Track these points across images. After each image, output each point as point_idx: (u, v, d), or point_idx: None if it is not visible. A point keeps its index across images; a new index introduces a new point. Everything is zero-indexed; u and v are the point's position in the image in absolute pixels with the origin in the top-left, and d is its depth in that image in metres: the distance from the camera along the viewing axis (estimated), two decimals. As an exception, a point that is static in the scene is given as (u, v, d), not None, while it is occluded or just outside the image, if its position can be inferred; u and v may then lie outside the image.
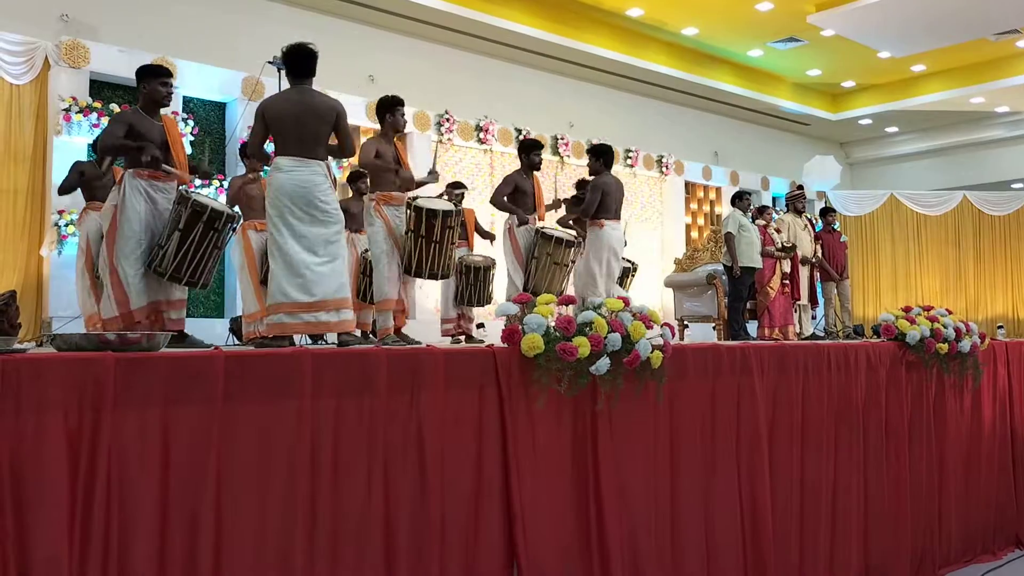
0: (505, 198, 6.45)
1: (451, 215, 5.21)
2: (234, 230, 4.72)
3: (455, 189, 7.78)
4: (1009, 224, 15.92)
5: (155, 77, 4.64)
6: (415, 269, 5.21)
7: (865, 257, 16.02)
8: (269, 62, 8.60)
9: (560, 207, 7.14)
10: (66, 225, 7.89)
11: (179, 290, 4.66)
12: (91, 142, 6.68)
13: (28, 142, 8.16)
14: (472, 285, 7.08)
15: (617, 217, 6.65)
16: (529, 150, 6.59)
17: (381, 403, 3.12)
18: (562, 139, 12.45)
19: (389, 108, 5.42)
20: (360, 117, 10.50)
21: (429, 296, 9.67)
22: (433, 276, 5.28)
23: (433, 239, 5.18)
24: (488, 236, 8.12)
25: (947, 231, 15.96)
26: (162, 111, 4.78)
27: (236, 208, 5.80)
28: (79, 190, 6.33)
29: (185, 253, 4.44)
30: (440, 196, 7.07)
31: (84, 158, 8.20)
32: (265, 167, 6.42)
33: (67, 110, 8.07)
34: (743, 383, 4.57)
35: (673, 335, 4.13)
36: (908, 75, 15.10)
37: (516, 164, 6.91)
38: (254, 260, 5.97)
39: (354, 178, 7.44)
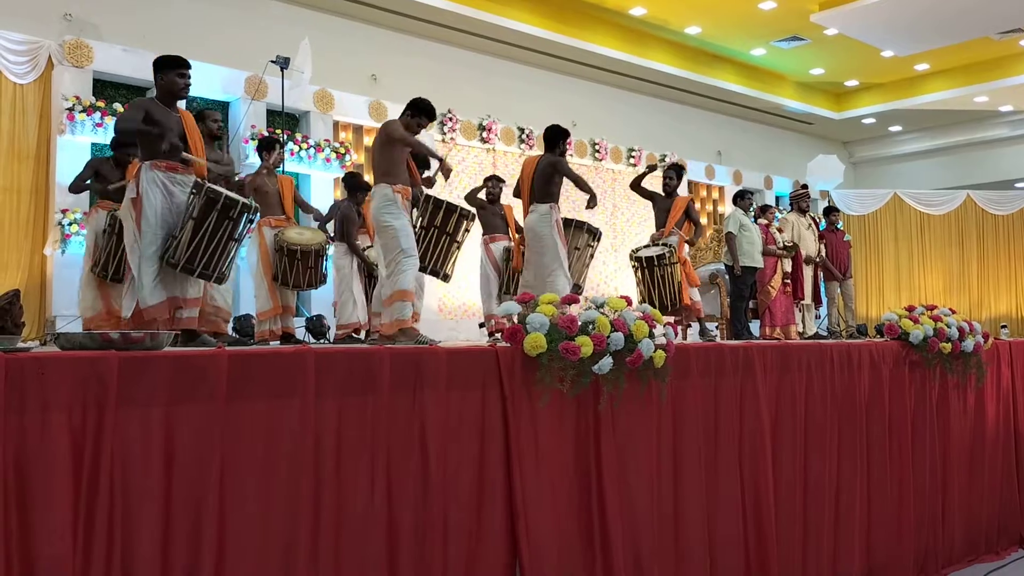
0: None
1: (468, 217, 5.26)
2: (251, 221, 4.59)
3: (495, 182, 7.76)
4: (1013, 223, 15.91)
5: (172, 68, 4.50)
6: (430, 267, 5.18)
7: (868, 256, 16.02)
8: (272, 61, 8.65)
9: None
10: (69, 224, 7.90)
11: (194, 288, 4.52)
12: (108, 143, 6.70)
13: (32, 141, 8.17)
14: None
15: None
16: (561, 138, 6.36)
17: (384, 402, 3.13)
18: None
19: (427, 114, 5.18)
20: (363, 116, 10.52)
21: (431, 294, 9.67)
22: (435, 273, 5.23)
23: (455, 238, 5.20)
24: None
25: (950, 230, 15.96)
26: (181, 104, 4.68)
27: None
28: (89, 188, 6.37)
29: (199, 243, 4.30)
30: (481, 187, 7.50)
31: (89, 156, 8.24)
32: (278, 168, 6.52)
33: (71, 109, 8.08)
34: (746, 382, 4.57)
35: (676, 334, 4.13)
36: (911, 74, 15.08)
37: (517, 164, 6.93)
38: (268, 257, 5.97)
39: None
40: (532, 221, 6.04)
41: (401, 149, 5.09)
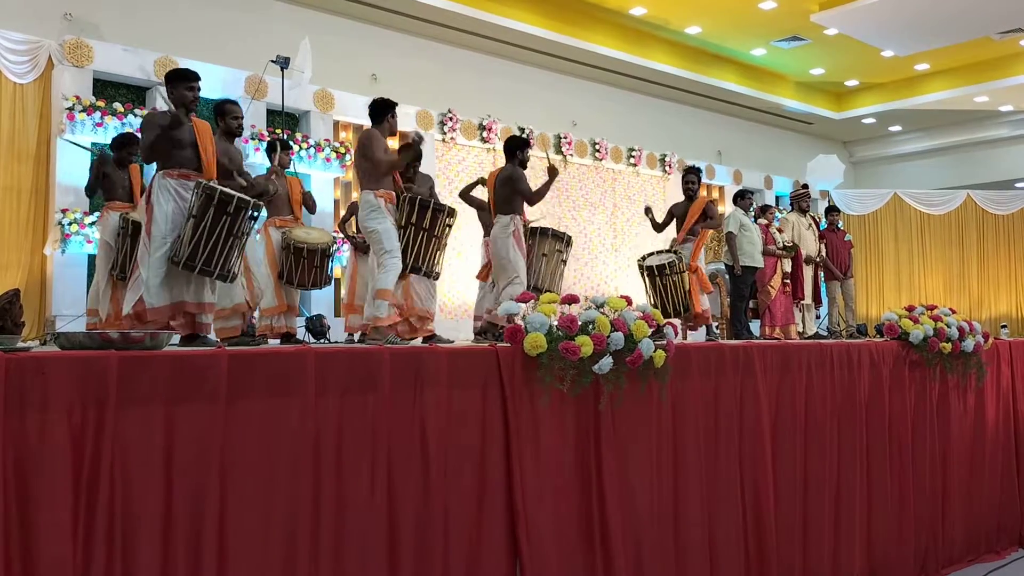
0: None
1: (446, 211, 5.31)
2: (253, 218, 4.62)
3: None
4: (1013, 223, 15.90)
5: (181, 82, 4.65)
6: (412, 264, 5.24)
7: (868, 256, 16.01)
8: (272, 61, 8.64)
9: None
10: (69, 224, 7.90)
11: (209, 293, 4.56)
12: (107, 145, 6.76)
13: (32, 141, 8.16)
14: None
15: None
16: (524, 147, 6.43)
17: (385, 401, 3.13)
18: (565, 138, 12.45)
19: (391, 109, 5.30)
20: (363, 116, 10.50)
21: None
22: (416, 270, 5.29)
23: (434, 233, 5.25)
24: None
25: (950, 230, 15.94)
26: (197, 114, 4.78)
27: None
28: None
29: (199, 239, 4.34)
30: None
31: (94, 157, 8.25)
32: (288, 169, 6.52)
33: (71, 109, 8.07)
34: (746, 382, 4.57)
35: (676, 334, 4.13)
36: (912, 74, 15.08)
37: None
38: (274, 256, 6.01)
39: None
40: (494, 233, 6.08)
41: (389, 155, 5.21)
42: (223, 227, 4.39)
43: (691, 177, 7.48)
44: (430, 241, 5.34)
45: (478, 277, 6.99)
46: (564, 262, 6.73)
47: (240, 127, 5.42)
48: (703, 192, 14.88)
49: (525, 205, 6.16)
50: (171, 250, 4.41)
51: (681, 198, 7.70)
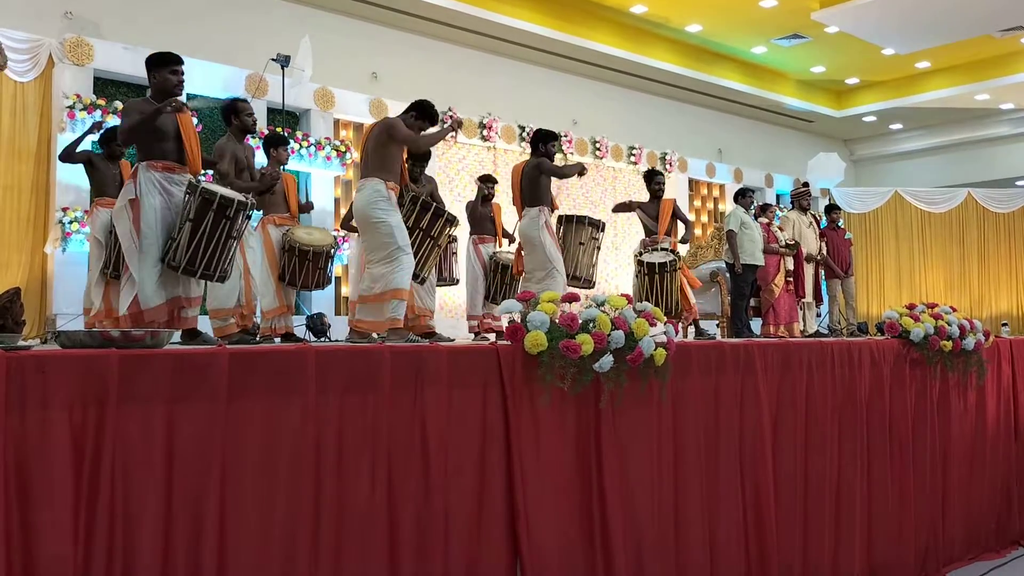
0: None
1: (453, 221, 5.30)
2: (248, 218, 4.58)
3: (486, 183, 7.79)
4: (1013, 221, 15.89)
5: (165, 66, 4.44)
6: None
7: (869, 254, 16.01)
8: (273, 59, 8.65)
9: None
10: (70, 222, 7.90)
11: (196, 287, 4.52)
12: (95, 140, 6.66)
13: (32, 139, 8.17)
14: (507, 284, 7.19)
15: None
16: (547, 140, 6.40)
17: (385, 400, 3.12)
18: (565, 136, 12.45)
19: (431, 118, 5.21)
20: (364, 114, 10.52)
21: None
22: (415, 276, 5.23)
23: (438, 242, 5.23)
24: (509, 236, 7.70)
25: (951, 228, 15.94)
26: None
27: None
28: (87, 185, 6.37)
29: (198, 244, 4.28)
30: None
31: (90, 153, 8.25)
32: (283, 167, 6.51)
33: (71, 107, 8.08)
34: (747, 381, 4.56)
35: (676, 332, 4.13)
36: (912, 72, 15.07)
37: (518, 162, 6.89)
38: (274, 255, 5.97)
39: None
40: (523, 226, 6.08)
41: (399, 148, 5.08)
42: (223, 230, 4.34)
43: (659, 178, 7.63)
44: (433, 249, 5.31)
45: (516, 273, 6.96)
46: (598, 249, 6.79)
47: (254, 123, 5.40)
48: (703, 191, 14.94)
49: (554, 192, 6.23)
50: (163, 250, 4.33)
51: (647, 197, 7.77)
